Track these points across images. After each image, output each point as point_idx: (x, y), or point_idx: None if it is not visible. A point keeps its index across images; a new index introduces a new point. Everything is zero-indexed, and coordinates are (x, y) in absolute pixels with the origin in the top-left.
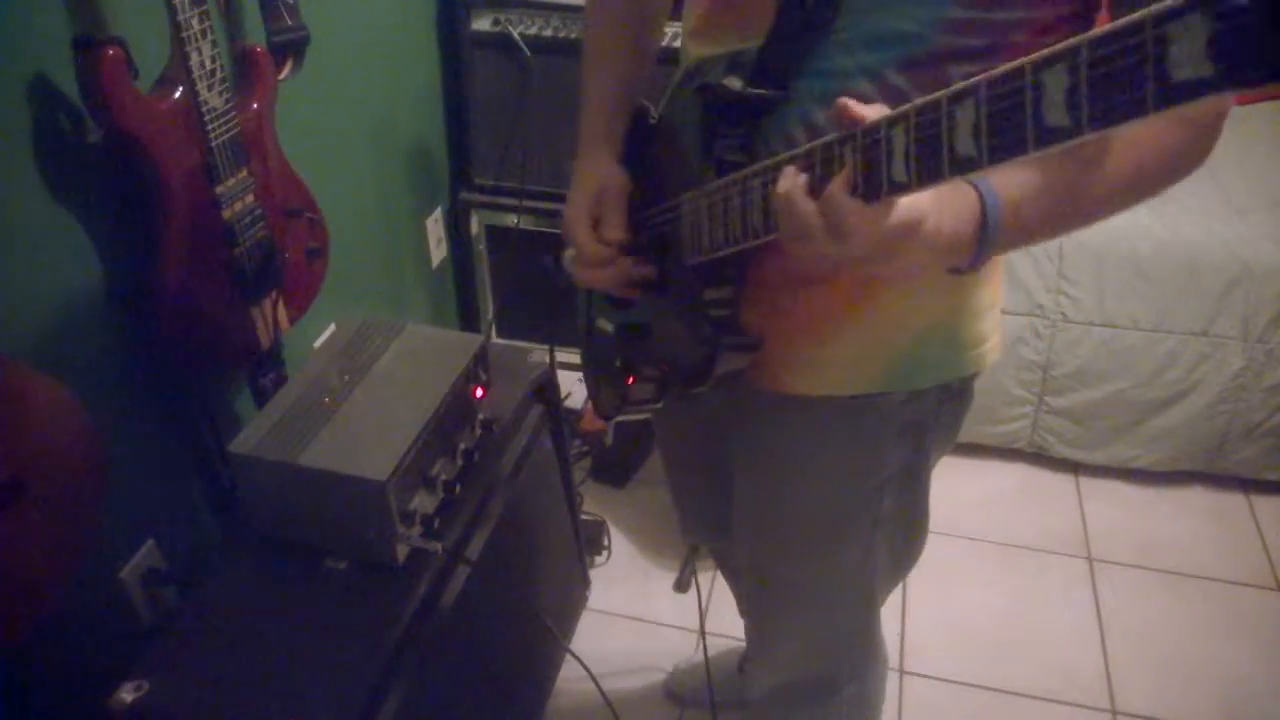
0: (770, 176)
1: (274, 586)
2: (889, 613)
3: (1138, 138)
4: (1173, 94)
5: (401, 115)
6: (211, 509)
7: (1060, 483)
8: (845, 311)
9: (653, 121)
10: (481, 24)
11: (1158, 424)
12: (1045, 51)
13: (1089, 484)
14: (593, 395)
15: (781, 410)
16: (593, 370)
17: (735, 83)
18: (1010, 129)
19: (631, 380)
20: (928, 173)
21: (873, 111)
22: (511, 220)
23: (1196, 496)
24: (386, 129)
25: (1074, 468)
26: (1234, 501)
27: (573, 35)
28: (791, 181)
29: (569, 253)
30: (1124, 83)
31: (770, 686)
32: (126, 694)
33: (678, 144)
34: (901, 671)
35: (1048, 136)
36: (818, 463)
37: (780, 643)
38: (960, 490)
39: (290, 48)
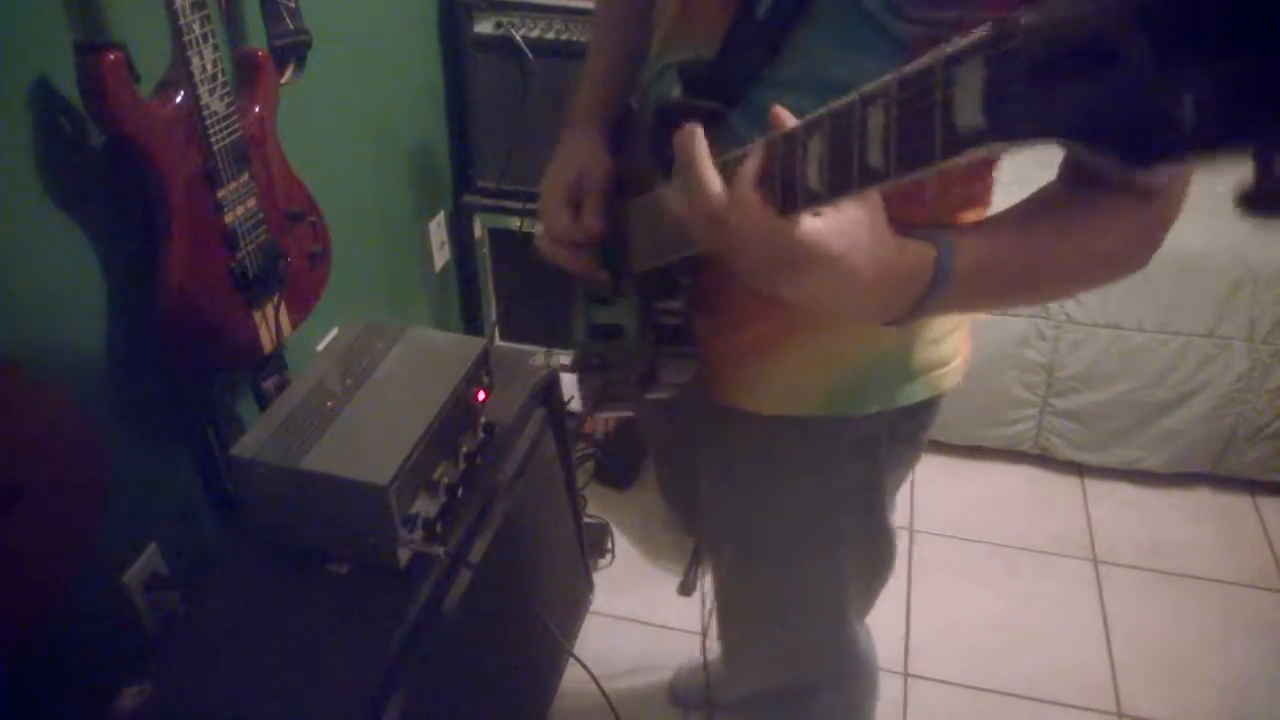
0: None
1: (276, 591)
2: (893, 615)
3: (1104, 224)
4: (954, 143)
5: (404, 118)
6: (214, 513)
7: (1065, 485)
8: (784, 337)
9: (631, 114)
10: (484, 27)
11: (1163, 426)
12: (866, 87)
13: (1094, 486)
14: (579, 387)
15: (737, 424)
16: (580, 363)
17: (677, 91)
18: (840, 163)
19: (609, 378)
20: (839, 185)
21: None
22: (515, 223)
23: (1202, 498)
24: (389, 132)
25: (1079, 469)
26: (1240, 503)
27: (575, 38)
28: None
29: (539, 228)
30: (921, 126)
31: (743, 693)
32: (129, 699)
33: (640, 145)
34: (906, 674)
35: (868, 176)
36: (772, 477)
37: (746, 650)
38: (965, 492)
39: (292, 51)
